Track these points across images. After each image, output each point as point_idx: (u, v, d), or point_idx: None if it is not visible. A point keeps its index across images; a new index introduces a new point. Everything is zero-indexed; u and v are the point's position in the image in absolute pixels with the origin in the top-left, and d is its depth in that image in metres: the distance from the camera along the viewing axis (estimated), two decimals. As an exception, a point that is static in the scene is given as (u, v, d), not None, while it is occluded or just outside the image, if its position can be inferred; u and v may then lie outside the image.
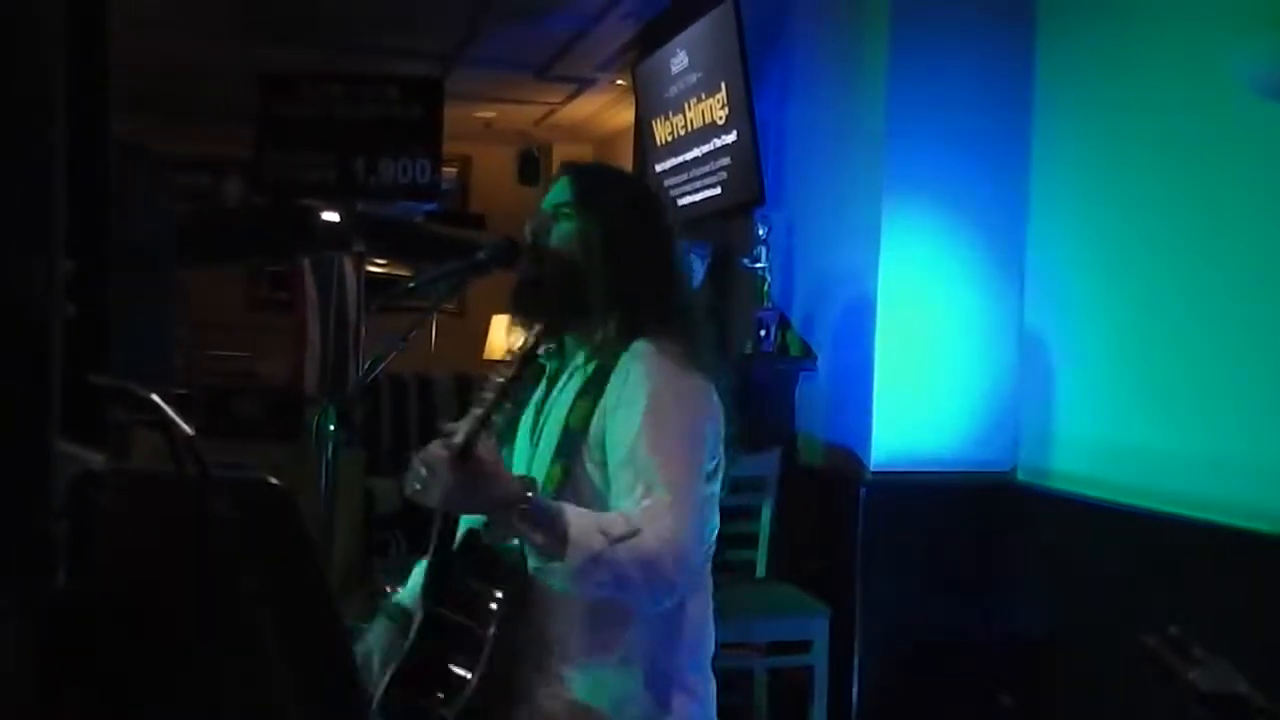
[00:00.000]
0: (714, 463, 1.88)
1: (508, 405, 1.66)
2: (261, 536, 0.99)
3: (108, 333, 0.83)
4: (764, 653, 3.57)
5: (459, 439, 1.61)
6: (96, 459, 0.80)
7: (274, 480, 1.05)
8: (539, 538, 1.66)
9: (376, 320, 5.73)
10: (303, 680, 1.04)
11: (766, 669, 3.65)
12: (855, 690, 3.65)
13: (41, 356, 0.71)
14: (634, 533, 1.68)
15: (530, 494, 1.65)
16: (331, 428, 2.63)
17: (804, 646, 3.51)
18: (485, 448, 1.63)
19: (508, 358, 1.72)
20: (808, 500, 3.92)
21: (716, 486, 1.91)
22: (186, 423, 0.88)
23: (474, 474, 1.61)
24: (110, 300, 0.85)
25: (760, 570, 3.78)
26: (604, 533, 1.67)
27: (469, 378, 6.87)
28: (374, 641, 1.99)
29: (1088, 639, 3.37)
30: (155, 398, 0.81)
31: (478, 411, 1.63)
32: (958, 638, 3.73)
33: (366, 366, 2.57)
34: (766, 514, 3.78)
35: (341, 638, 1.15)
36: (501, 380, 1.65)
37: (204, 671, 1.07)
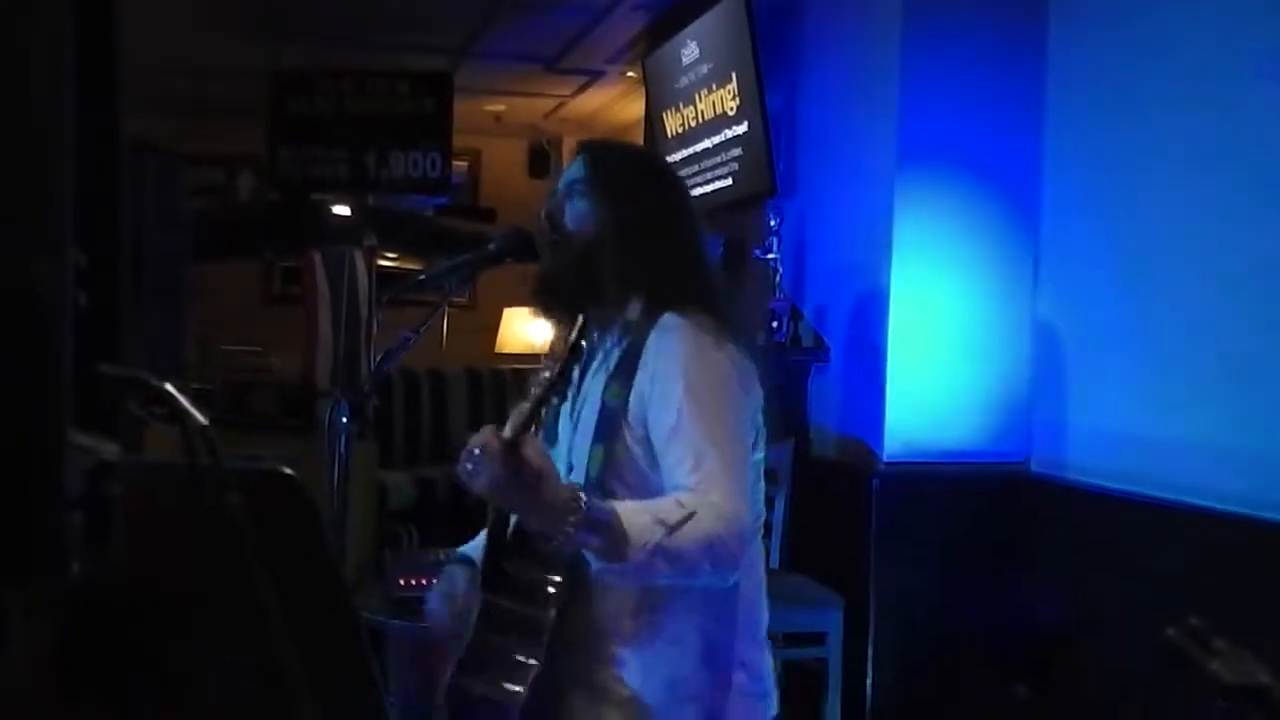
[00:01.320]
0: (755, 432, 1.87)
1: (555, 400, 1.63)
2: (275, 527, 0.99)
3: (121, 324, 0.83)
4: (778, 644, 3.56)
5: (509, 431, 1.56)
6: (111, 450, 0.79)
7: (288, 471, 1.05)
8: (597, 543, 1.62)
9: (388, 314, 5.73)
10: (315, 672, 1.04)
11: (781, 660, 3.64)
12: (869, 681, 3.65)
13: (51, 348, 0.71)
14: (690, 515, 1.64)
15: (579, 502, 1.60)
16: (344, 421, 2.64)
17: (818, 638, 3.51)
18: (533, 449, 1.57)
19: (553, 351, 1.69)
20: (821, 492, 3.91)
21: (760, 455, 1.90)
22: (204, 416, 0.88)
23: (523, 471, 1.56)
24: (123, 292, 0.85)
25: (774, 562, 3.78)
26: (661, 523, 1.63)
27: (481, 371, 6.88)
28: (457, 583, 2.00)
29: (1103, 630, 3.36)
30: (169, 388, 0.81)
31: (526, 405, 1.60)
32: (972, 629, 3.72)
33: (378, 360, 2.57)
34: (780, 505, 3.77)
35: (354, 628, 1.15)
36: (548, 375, 1.62)
37: (216, 662, 1.07)
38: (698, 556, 1.65)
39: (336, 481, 2.67)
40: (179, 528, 1.01)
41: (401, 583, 3.02)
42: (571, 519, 1.59)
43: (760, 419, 1.89)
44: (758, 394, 1.88)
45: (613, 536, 1.61)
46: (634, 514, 1.64)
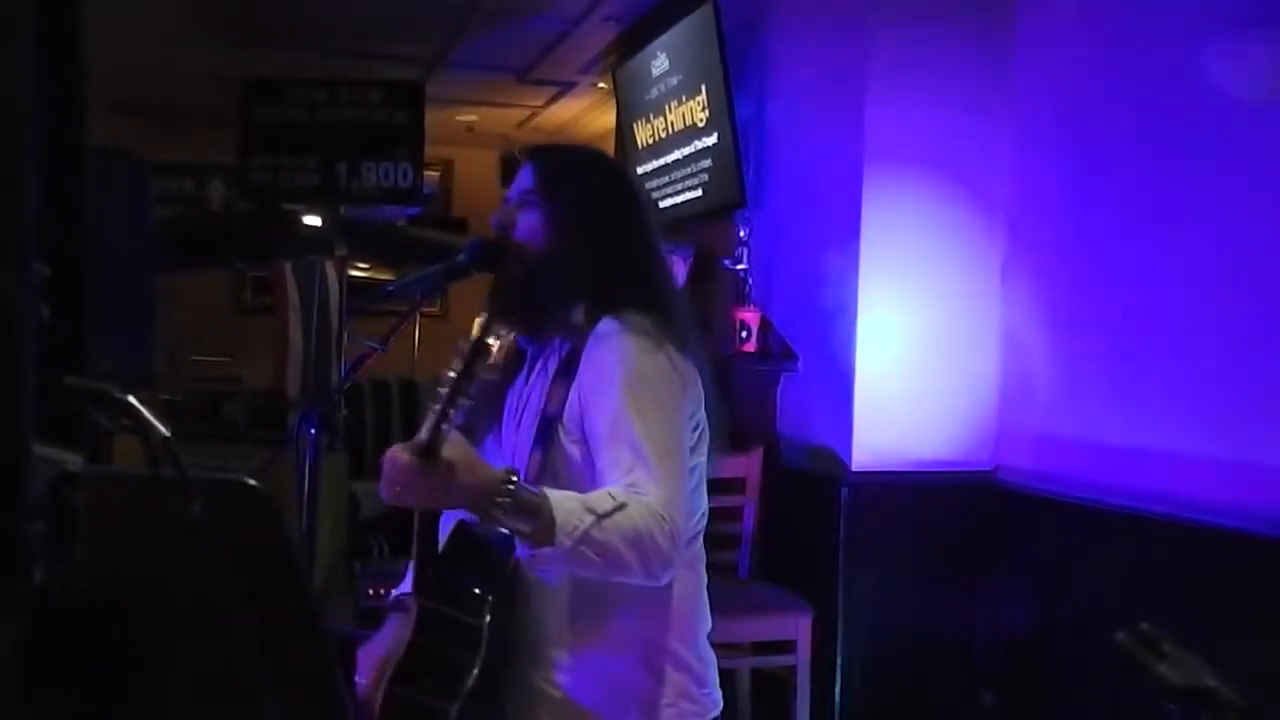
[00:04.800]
0: (696, 434, 1.86)
1: (463, 400, 1.63)
2: (240, 538, 1.00)
3: (85, 336, 0.83)
4: (747, 653, 3.58)
5: (424, 434, 1.59)
6: (74, 461, 0.80)
7: (253, 482, 1.06)
8: (524, 525, 1.64)
9: (358, 324, 5.73)
10: (283, 682, 1.04)
11: (749, 669, 3.66)
12: (838, 689, 3.67)
13: (16, 359, 0.72)
14: (621, 507, 1.65)
15: (510, 484, 1.62)
16: (313, 431, 2.63)
17: (787, 646, 3.53)
18: (451, 444, 1.60)
19: (457, 352, 1.69)
20: (790, 501, 3.93)
21: (702, 459, 1.89)
22: (174, 426, 0.89)
23: (441, 472, 1.59)
24: (88, 303, 0.85)
25: (743, 570, 3.80)
26: (590, 511, 1.64)
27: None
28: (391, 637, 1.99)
29: (1069, 637, 3.39)
30: (131, 399, 0.81)
31: (435, 408, 1.61)
32: (940, 637, 3.75)
33: (345, 372, 2.56)
34: (749, 514, 3.79)
35: (321, 640, 1.16)
36: (454, 375, 1.62)
37: (183, 674, 1.07)
38: (626, 550, 1.65)
39: (306, 492, 2.66)
40: (143, 538, 1.01)
41: (371, 592, 3.03)
42: (500, 500, 1.61)
43: (704, 421, 1.89)
44: (698, 395, 1.87)
45: (541, 520, 1.62)
46: (564, 500, 1.66)
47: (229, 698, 1.10)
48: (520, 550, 1.70)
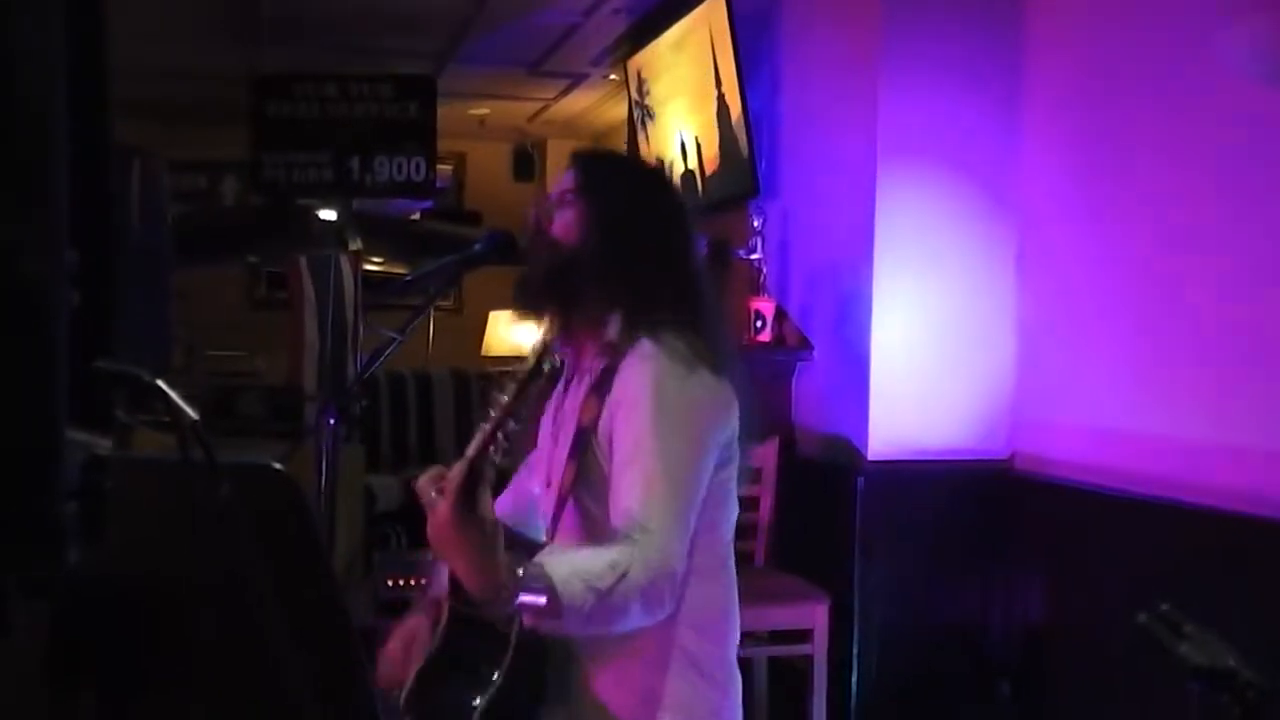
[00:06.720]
0: (726, 455, 1.87)
1: (513, 424, 1.64)
2: (267, 522, 1.01)
3: (113, 321, 0.84)
4: (764, 641, 3.59)
5: (471, 450, 1.60)
6: (104, 445, 0.81)
7: (278, 465, 1.07)
8: (530, 614, 1.63)
9: (374, 317, 5.75)
10: (310, 663, 1.05)
11: (766, 658, 3.67)
12: (855, 678, 3.67)
13: (49, 344, 0.73)
14: (622, 576, 1.64)
15: (517, 583, 1.59)
16: (331, 424, 2.65)
17: (804, 635, 3.53)
18: (485, 505, 1.58)
19: (511, 373, 1.68)
20: (806, 490, 3.93)
21: (730, 474, 1.90)
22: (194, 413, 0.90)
23: (468, 528, 1.58)
24: (116, 290, 0.86)
25: (759, 560, 3.81)
26: (594, 589, 1.62)
27: (467, 374, 6.90)
28: None
29: (1086, 625, 3.38)
30: (161, 384, 0.82)
31: (485, 428, 1.61)
32: (956, 625, 3.75)
33: (365, 363, 2.58)
34: (765, 504, 3.80)
35: (346, 620, 1.17)
36: (506, 399, 1.63)
37: (212, 655, 1.08)
38: (631, 607, 1.66)
39: (324, 484, 2.68)
40: (172, 522, 1.02)
41: (390, 583, 3.05)
42: (505, 594, 1.59)
43: (736, 442, 1.89)
44: (733, 420, 1.88)
45: (548, 608, 1.61)
46: (568, 583, 1.62)
47: (257, 677, 1.11)
48: (528, 619, 1.68)
